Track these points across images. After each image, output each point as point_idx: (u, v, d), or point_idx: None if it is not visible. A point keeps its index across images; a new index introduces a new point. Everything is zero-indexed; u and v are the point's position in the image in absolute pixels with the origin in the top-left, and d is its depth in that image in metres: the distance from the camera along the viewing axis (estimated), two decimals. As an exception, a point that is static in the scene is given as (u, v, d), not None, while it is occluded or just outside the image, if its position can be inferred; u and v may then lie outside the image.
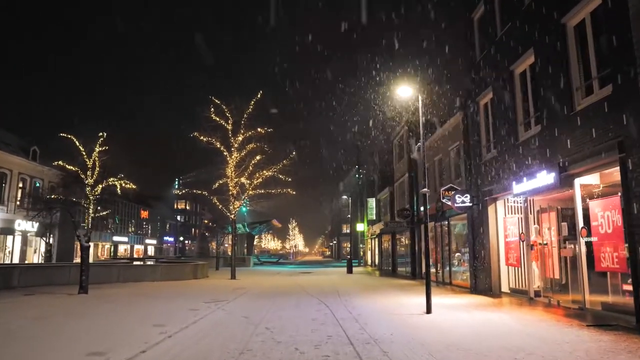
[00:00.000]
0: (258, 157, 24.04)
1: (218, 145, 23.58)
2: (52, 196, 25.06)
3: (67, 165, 16.15)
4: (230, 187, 24.02)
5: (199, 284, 19.98)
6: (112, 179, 15.99)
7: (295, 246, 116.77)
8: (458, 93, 18.41)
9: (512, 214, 13.78)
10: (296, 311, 10.93)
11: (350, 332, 7.92)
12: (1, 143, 30.35)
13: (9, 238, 31.69)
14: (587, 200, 9.81)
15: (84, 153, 15.72)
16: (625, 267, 8.32)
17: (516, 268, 13.39)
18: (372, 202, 39.76)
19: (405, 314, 10.31)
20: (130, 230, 64.94)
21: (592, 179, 10.04)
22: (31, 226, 32.17)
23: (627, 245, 8.17)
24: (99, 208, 16.06)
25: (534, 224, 12.72)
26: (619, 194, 8.47)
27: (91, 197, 15.51)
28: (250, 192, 24.83)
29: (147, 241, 72.30)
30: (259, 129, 23.58)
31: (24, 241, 32.85)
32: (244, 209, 37.23)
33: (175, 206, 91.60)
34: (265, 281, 22.59)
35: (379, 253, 38.87)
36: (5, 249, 31.46)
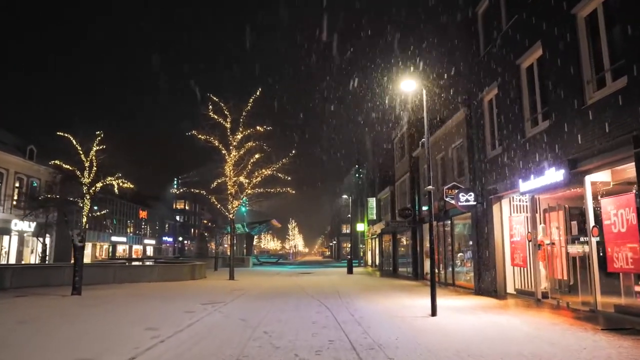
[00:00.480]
0: (257, 156, 23.68)
1: (216, 144, 23.20)
2: (48, 195, 24.74)
3: (63, 165, 15.90)
4: (229, 186, 23.63)
5: (197, 285, 19.63)
6: (109, 178, 15.67)
7: (294, 246, 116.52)
8: (461, 89, 18.03)
9: (517, 212, 13.41)
10: (296, 313, 10.55)
11: (352, 337, 7.54)
12: (-3, 142, 30.05)
13: (5, 238, 31.32)
14: (599, 198, 9.44)
15: (80, 152, 15.39)
16: (640, 267, 7.94)
17: (522, 268, 13.01)
18: (372, 201, 39.36)
19: (409, 316, 9.94)
20: (128, 230, 64.63)
21: (603, 176, 9.65)
22: (28, 226, 31.82)
23: (643, 244, 7.79)
24: (95, 207, 15.73)
25: (541, 223, 12.34)
26: (634, 191, 8.14)
27: (87, 196, 15.20)
28: (249, 192, 24.47)
29: (146, 241, 71.96)
30: (258, 127, 23.19)
31: (21, 241, 32.49)
32: (243, 208, 36.90)
33: (174, 206, 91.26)
34: (264, 282, 22.23)
35: (379, 253, 38.46)
36: (2, 249, 31.07)
